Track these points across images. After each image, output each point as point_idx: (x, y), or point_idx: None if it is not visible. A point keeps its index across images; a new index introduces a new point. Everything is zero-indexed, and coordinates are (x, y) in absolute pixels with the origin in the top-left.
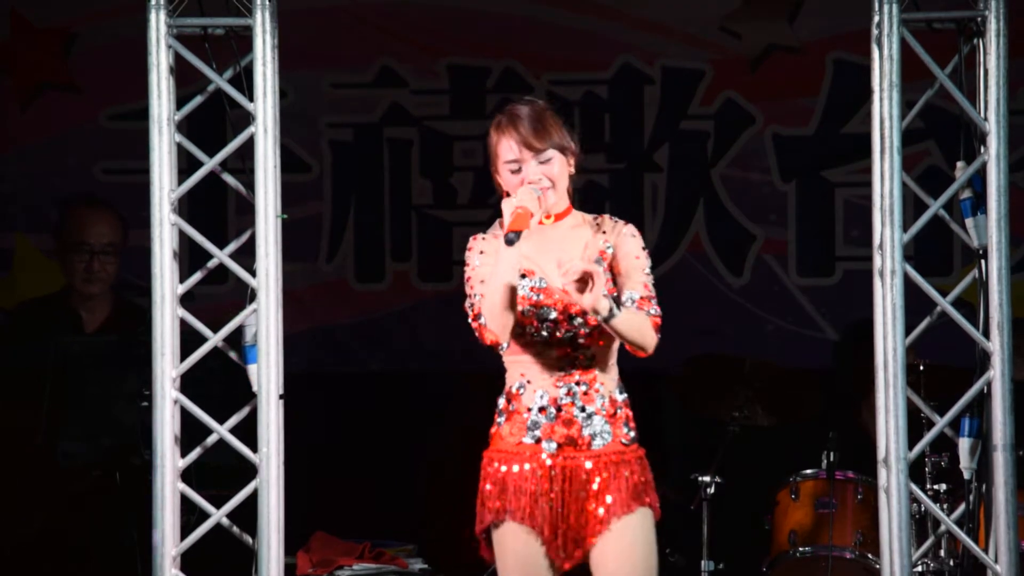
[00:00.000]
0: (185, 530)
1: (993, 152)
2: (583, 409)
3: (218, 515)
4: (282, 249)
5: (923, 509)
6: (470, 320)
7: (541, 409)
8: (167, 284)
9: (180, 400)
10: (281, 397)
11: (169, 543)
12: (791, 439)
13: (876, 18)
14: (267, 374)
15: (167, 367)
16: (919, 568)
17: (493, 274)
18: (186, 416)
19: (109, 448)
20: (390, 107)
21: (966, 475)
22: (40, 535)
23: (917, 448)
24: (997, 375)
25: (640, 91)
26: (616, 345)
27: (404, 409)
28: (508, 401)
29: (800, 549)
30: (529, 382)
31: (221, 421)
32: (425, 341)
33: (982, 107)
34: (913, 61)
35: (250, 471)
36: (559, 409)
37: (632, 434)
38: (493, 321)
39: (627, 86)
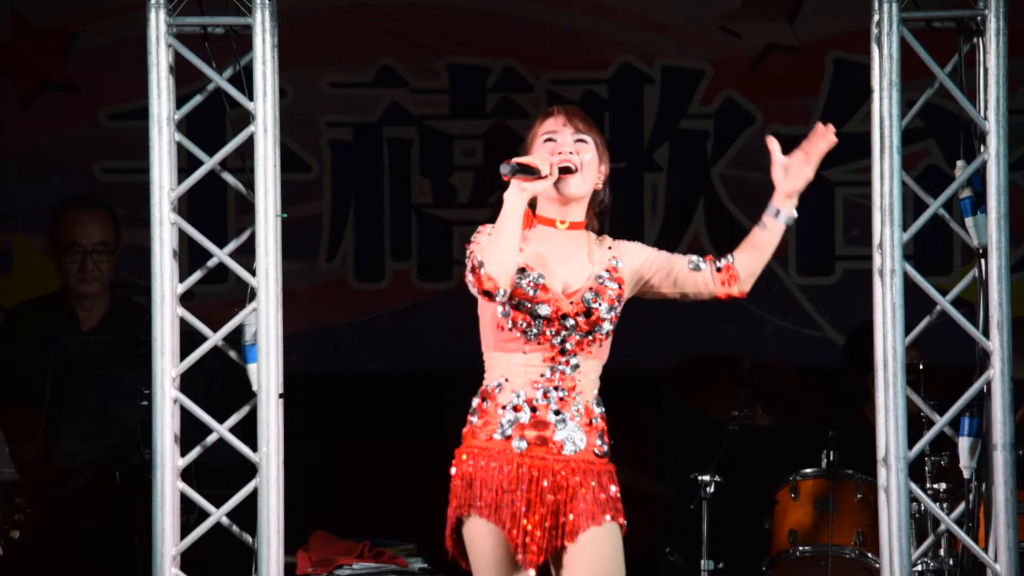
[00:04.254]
0: (185, 529)
1: (993, 151)
2: (557, 413)
3: (218, 515)
4: (282, 248)
5: (923, 508)
6: (468, 274)
7: (515, 407)
8: (167, 283)
9: (180, 399)
10: (281, 396)
11: (169, 543)
12: (791, 439)
13: (876, 17)
14: (267, 373)
15: (167, 366)
16: (919, 567)
17: (498, 221)
18: (186, 415)
19: (109, 448)
20: (390, 107)
21: (966, 474)
22: (40, 535)
23: (917, 447)
24: (997, 374)
25: (640, 91)
26: (601, 360)
27: (404, 409)
28: (483, 399)
29: (800, 548)
30: (508, 380)
31: (221, 420)
32: (425, 341)
33: (982, 106)
34: (913, 60)
35: (250, 471)
36: (533, 410)
37: (605, 447)
38: (493, 261)
39: (627, 86)
